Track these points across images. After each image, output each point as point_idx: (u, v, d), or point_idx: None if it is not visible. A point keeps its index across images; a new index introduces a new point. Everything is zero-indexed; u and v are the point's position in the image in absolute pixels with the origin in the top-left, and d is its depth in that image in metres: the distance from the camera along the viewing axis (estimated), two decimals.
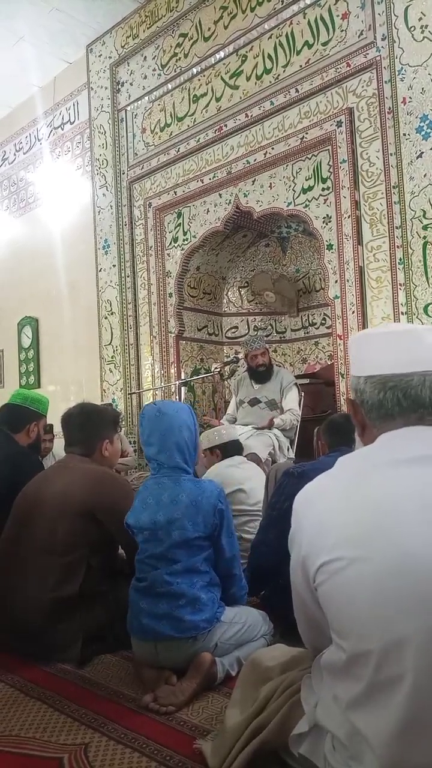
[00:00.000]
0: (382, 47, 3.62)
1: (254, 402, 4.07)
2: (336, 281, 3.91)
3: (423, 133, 3.42)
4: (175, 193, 4.91)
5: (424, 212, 3.43)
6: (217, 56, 4.56)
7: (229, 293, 5.55)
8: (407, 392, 0.98)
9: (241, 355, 4.33)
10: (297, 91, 4.07)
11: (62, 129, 6.11)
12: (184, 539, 1.70)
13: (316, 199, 4.05)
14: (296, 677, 1.16)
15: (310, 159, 4.08)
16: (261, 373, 4.09)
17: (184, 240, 4.90)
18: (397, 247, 3.57)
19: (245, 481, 2.74)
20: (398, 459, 0.96)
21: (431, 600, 0.86)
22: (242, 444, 3.63)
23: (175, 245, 4.97)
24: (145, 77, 5.11)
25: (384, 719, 0.88)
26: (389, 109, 3.59)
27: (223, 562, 1.79)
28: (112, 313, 5.35)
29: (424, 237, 3.43)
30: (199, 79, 4.72)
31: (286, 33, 4.14)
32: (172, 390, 4.79)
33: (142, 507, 1.79)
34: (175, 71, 4.86)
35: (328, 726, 0.99)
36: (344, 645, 0.95)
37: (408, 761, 0.87)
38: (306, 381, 4.52)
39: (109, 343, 5.38)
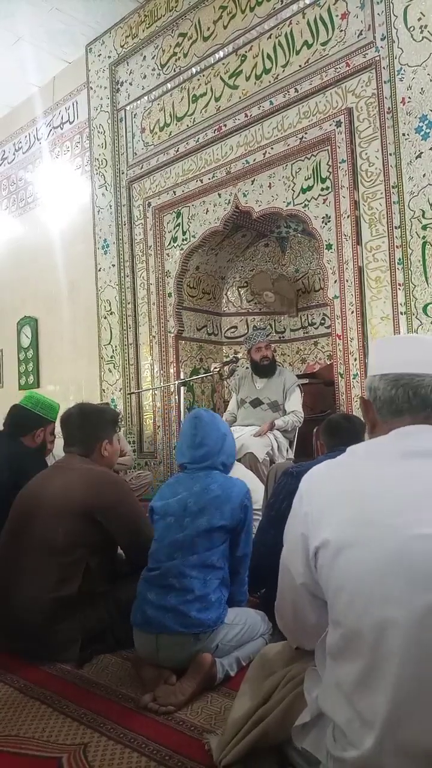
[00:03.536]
0: (382, 47, 3.62)
1: (256, 403, 4.06)
2: (335, 281, 3.91)
3: (422, 133, 3.43)
4: (175, 192, 4.91)
5: (423, 212, 3.43)
6: (217, 56, 4.56)
7: (229, 293, 5.55)
8: (417, 391, 1.03)
9: (240, 355, 4.33)
10: (296, 91, 4.07)
11: (61, 129, 6.11)
12: (209, 527, 1.74)
13: (316, 199, 4.05)
14: (300, 669, 1.18)
15: (309, 159, 4.08)
16: (264, 367, 4.08)
17: (183, 240, 4.90)
18: (397, 247, 3.57)
19: None
20: (408, 451, 0.99)
21: (420, 584, 0.88)
22: (240, 445, 3.65)
23: (175, 245, 4.97)
24: (145, 77, 5.11)
25: (378, 699, 0.90)
26: (388, 109, 3.59)
27: (235, 559, 1.84)
28: (111, 313, 5.35)
29: (424, 237, 3.43)
30: (198, 79, 4.72)
31: (286, 33, 4.14)
32: (172, 390, 4.79)
33: (172, 494, 1.85)
34: (174, 71, 4.86)
35: (329, 712, 1.00)
36: (341, 626, 0.97)
37: (402, 739, 0.89)
38: (305, 381, 4.52)
39: (109, 343, 5.38)
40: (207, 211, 4.73)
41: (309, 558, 1.04)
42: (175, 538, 1.76)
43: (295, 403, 3.97)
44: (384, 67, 3.61)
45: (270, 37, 4.23)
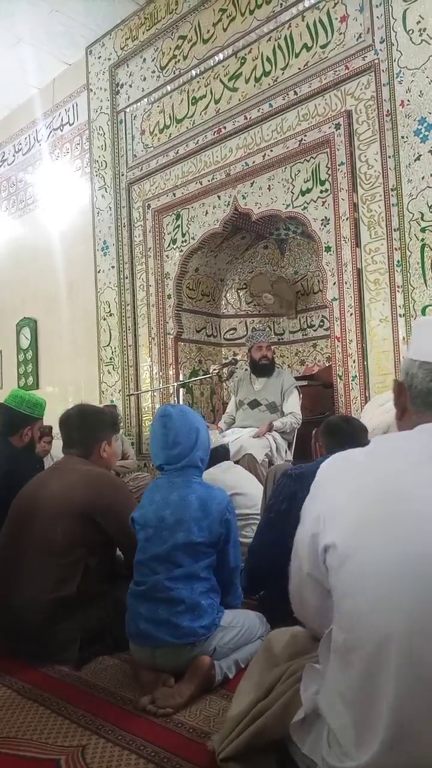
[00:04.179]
0: (381, 50, 3.63)
1: (254, 404, 4.06)
2: (334, 283, 3.91)
3: (421, 135, 3.43)
4: (174, 194, 4.91)
5: (422, 214, 3.43)
6: (216, 58, 4.57)
7: (228, 295, 5.56)
8: None
9: (239, 356, 4.33)
10: (296, 93, 4.08)
11: (61, 130, 6.11)
12: (188, 542, 1.69)
13: (315, 201, 4.06)
14: (302, 664, 1.17)
15: (308, 161, 4.09)
16: (263, 367, 4.09)
17: (182, 242, 4.91)
18: (395, 249, 3.58)
19: (237, 485, 2.73)
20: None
21: (424, 600, 0.86)
22: (239, 446, 3.65)
23: (174, 247, 4.98)
24: (145, 79, 5.12)
25: (377, 712, 0.89)
26: (387, 111, 3.60)
27: (225, 572, 1.80)
28: (110, 315, 5.35)
29: (422, 239, 3.44)
30: (198, 81, 4.72)
31: (285, 36, 4.15)
32: (171, 392, 4.79)
33: (149, 503, 1.80)
34: (174, 73, 4.87)
35: (326, 713, 0.99)
36: (343, 630, 0.96)
37: (401, 757, 0.87)
38: (304, 383, 4.52)
39: (108, 345, 5.38)
40: (206, 213, 4.74)
41: (318, 555, 1.02)
42: (157, 551, 1.72)
43: (293, 404, 3.98)
44: (383, 70, 3.61)
45: (269, 39, 4.24)
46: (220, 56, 4.54)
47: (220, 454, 2.90)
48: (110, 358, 5.36)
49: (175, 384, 4.18)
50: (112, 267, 5.33)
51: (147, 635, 1.67)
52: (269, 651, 1.30)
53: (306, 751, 1.05)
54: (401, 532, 0.89)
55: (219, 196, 4.64)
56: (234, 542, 1.81)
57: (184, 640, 1.64)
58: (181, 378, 4.83)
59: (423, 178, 3.43)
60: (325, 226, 3.98)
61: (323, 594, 1.06)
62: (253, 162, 4.35)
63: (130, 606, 1.74)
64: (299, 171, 4.14)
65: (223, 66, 4.54)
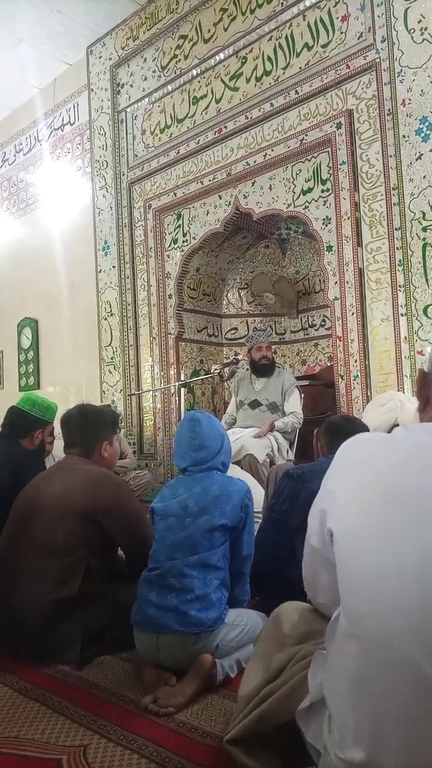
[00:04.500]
0: (382, 49, 3.62)
1: (255, 404, 4.06)
2: (336, 283, 3.91)
3: (422, 135, 3.43)
4: (175, 194, 4.91)
5: (424, 214, 3.43)
6: (217, 58, 4.57)
7: (229, 295, 5.56)
8: None
9: (241, 356, 4.32)
10: (297, 93, 4.07)
11: (62, 130, 6.12)
12: (209, 527, 1.74)
13: (316, 201, 4.05)
14: (311, 650, 1.17)
15: (309, 161, 4.08)
16: (263, 367, 4.08)
17: (183, 241, 4.91)
18: (397, 248, 3.57)
19: None
20: None
21: (424, 602, 0.85)
22: (240, 446, 3.65)
23: (175, 247, 4.98)
24: (145, 79, 5.12)
25: (370, 706, 0.89)
26: (389, 111, 3.59)
27: (238, 559, 1.84)
28: (111, 315, 5.35)
29: (424, 239, 3.43)
30: (199, 81, 4.72)
31: (286, 35, 4.15)
32: (172, 391, 4.79)
33: (172, 495, 1.86)
34: (175, 73, 4.87)
35: (329, 701, 0.99)
36: (348, 617, 0.96)
37: (394, 753, 0.87)
38: (305, 382, 4.52)
39: (109, 345, 5.38)
40: (207, 212, 4.73)
41: (324, 531, 1.03)
42: (176, 538, 1.76)
43: (294, 404, 3.97)
44: (384, 69, 3.61)
45: (270, 39, 4.24)
46: (221, 56, 4.54)
47: None
48: (111, 358, 5.36)
49: (177, 384, 4.18)
50: (113, 267, 5.33)
51: (153, 621, 1.68)
52: (278, 629, 1.30)
53: (309, 738, 1.05)
54: (396, 538, 0.88)
55: (220, 196, 4.64)
56: (249, 529, 1.86)
57: (190, 629, 1.65)
58: (182, 378, 4.82)
59: (424, 177, 3.42)
60: (326, 225, 3.98)
61: (332, 569, 1.05)
62: (254, 161, 4.35)
63: (140, 592, 1.76)
64: (300, 170, 4.14)
65: (224, 65, 4.54)
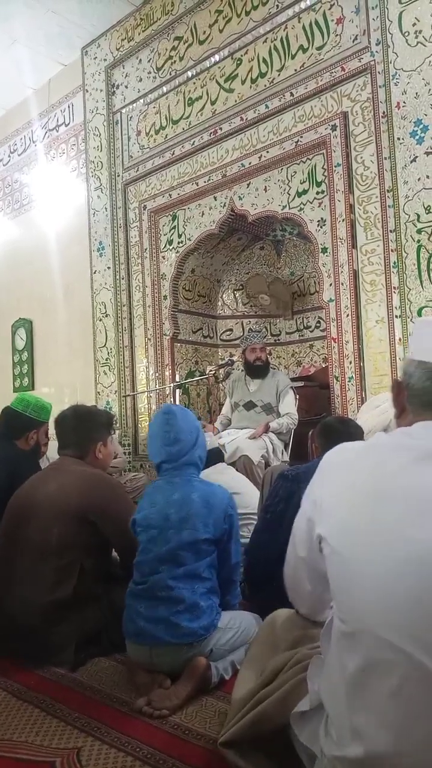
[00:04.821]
0: (377, 52, 3.64)
1: (250, 406, 4.07)
2: (330, 284, 3.92)
3: (417, 137, 3.44)
4: (170, 195, 4.91)
5: (418, 216, 3.44)
6: (212, 59, 4.57)
7: (224, 296, 5.56)
8: None
9: (236, 357, 4.33)
10: (292, 94, 4.08)
11: (57, 131, 6.11)
12: (193, 539, 1.71)
13: (311, 203, 4.06)
14: (307, 654, 1.18)
15: (304, 162, 4.09)
16: (257, 368, 4.09)
17: (179, 243, 4.91)
18: (392, 250, 3.58)
19: (233, 485, 2.74)
20: (429, 452, 0.93)
21: (417, 601, 0.86)
22: (235, 447, 3.65)
23: (170, 248, 4.98)
24: (140, 80, 5.12)
25: (369, 703, 0.89)
26: (383, 113, 3.60)
27: (227, 568, 1.82)
28: (106, 316, 5.35)
29: (418, 240, 3.45)
30: (194, 82, 4.73)
31: (281, 37, 4.15)
32: (167, 392, 4.78)
33: (151, 505, 1.80)
34: (170, 74, 4.87)
35: (326, 702, 1.00)
36: (342, 618, 0.97)
37: (394, 749, 0.87)
38: (300, 384, 4.52)
39: (104, 346, 5.37)
40: (203, 214, 4.74)
41: (313, 540, 1.04)
42: (160, 551, 1.72)
43: (288, 405, 3.98)
44: (379, 72, 3.62)
45: (266, 41, 4.25)
46: (216, 57, 4.55)
47: (214, 456, 2.91)
48: (106, 359, 5.35)
49: (172, 385, 4.19)
50: (108, 268, 5.32)
51: (145, 634, 1.66)
52: (272, 634, 1.31)
53: (304, 739, 1.05)
54: (386, 536, 0.90)
55: (215, 197, 4.64)
56: (235, 538, 1.83)
57: (182, 640, 1.64)
58: (177, 379, 4.82)
59: (419, 179, 3.44)
60: (321, 227, 3.99)
61: (317, 579, 1.08)
62: (250, 163, 4.35)
63: (128, 605, 1.74)
64: (295, 172, 4.15)
65: (219, 67, 4.54)
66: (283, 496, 2.10)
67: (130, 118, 5.24)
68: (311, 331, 5.33)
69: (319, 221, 4.00)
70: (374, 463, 0.98)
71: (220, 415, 4.34)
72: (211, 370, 4.13)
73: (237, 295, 5.55)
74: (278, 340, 5.54)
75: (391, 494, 0.92)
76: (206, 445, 1.96)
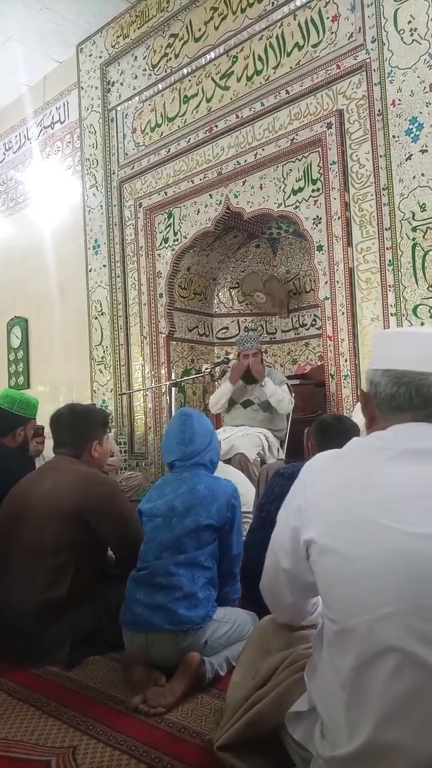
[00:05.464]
0: (372, 50, 3.63)
1: (247, 404, 4.05)
2: (326, 282, 3.92)
3: (412, 135, 3.44)
4: (166, 193, 4.90)
5: (413, 214, 3.45)
6: (208, 57, 4.56)
7: (220, 294, 5.56)
8: (420, 389, 1.01)
9: (232, 356, 4.31)
10: (287, 92, 4.08)
11: (52, 128, 6.08)
12: (195, 526, 1.75)
13: (306, 201, 4.06)
14: (301, 654, 1.19)
15: (300, 160, 4.09)
16: (251, 375, 4.07)
17: (174, 240, 4.90)
18: (387, 248, 3.58)
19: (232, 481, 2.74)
20: (411, 449, 0.98)
21: (418, 583, 0.88)
22: (231, 445, 3.64)
23: (166, 246, 4.97)
24: (136, 77, 5.10)
25: (364, 701, 0.90)
26: (379, 111, 3.60)
27: (228, 559, 1.86)
28: (102, 314, 5.34)
29: (413, 239, 3.45)
30: (189, 80, 4.72)
31: (277, 35, 4.15)
32: (163, 391, 4.78)
33: (159, 496, 1.88)
34: (165, 71, 4.86)
35: (318, 705, 1.01)
36: (333, 618, 0.98)
37: (387, 744, 0.88)
38: (296, 382, 4.52)
39: (99, 344, 5.36)
40: (198, 211, 4.73)
41: (299, 548, 1.05)
42: (163, 538, 1.77)
43: (284, 390, 3.93)
44: (374, 70, 3.62)
45: (261, 38, 4.24)
46: (212, 55, 4.54)
47: None
48: (102, 357, 5.34)
49: (168, 383, 4.17)
50: (104, 266, 5.31)
51: (141, 620, 1.68)
52: (264, 636, 1.32)
53: (298, 737, 1.06)
54: (374, 531, 0.93)
55: (211, 195, 4.63)
56: (237, 529, 1.87)
57: (179, 627, 1.66)
58: (173, 377, 4.81)
59: (414, 177, 3.44)
60: (316, 225, 3.99)
61: (300, 590, 1.11)
62: (245, 161, 4.35)
63: (128, 592, 1.76)
64: (291, 170, 4.15)
65: (215, 64, 4.54)
66: (279, 494, 2.10)
67: (126, 115, 5.23)
68: (307, 329, 5.33)
69: (314, 219, 4.00)
70: (352, 464, 1.03)
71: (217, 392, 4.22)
72: (206, 368, 4.11)
73: (233, 293, 5.55)
74: (274, 338, 5.54)
75: (369, 492, 0.97)
76: (219, 450, 2.06)
